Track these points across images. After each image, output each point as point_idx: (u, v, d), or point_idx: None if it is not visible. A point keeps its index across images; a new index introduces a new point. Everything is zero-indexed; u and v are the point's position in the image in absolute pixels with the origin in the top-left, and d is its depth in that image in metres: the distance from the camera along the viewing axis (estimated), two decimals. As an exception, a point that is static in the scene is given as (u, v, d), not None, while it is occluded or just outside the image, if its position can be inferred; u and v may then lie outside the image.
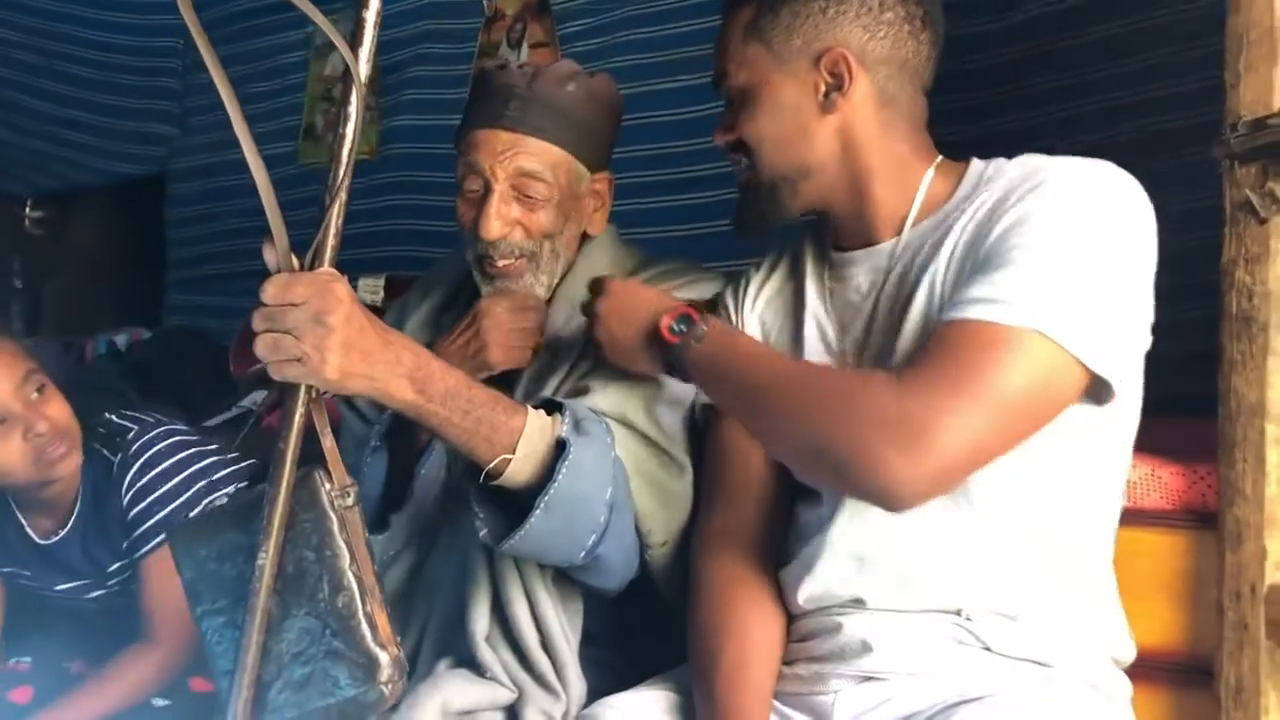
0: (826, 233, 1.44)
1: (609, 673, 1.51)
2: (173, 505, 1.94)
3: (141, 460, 1.96)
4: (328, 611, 1.17)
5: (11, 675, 2.10)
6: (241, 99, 1.12)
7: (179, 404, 2.64)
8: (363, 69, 1.14)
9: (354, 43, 1.14)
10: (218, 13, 3.75)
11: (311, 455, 1.20)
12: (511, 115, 1.53)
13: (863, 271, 1.37)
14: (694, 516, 1.49)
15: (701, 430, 1.51)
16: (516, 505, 1.34)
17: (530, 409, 1.35)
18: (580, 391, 1.48)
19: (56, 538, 2.01)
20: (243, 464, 2.07)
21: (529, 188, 1.53)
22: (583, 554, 1.37)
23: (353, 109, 1.15)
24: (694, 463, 1.51)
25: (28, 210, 4.81)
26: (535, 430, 1.33)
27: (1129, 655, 1.33)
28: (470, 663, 1.48)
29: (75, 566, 2.03)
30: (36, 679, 2.09)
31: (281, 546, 1.18)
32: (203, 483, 1.98)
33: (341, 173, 1.15)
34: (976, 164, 1.33)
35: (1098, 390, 1.19)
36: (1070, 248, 1.17)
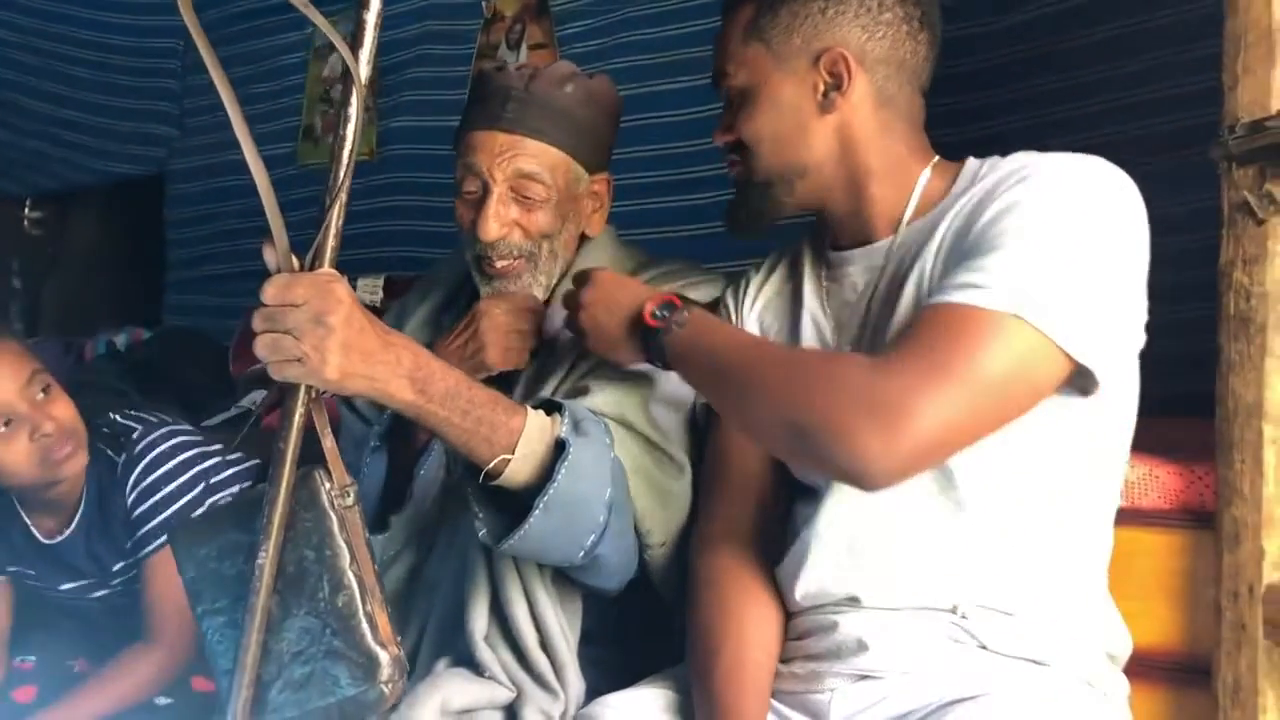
0: (824, 233, 1.44)
1: (608, 672, 1.51)
2: (177, 505, 1.95)
3: (146, 460, 1.96)
4: (328, 611, 1.17)
5: (15, 674, 2.10)
6: (241, 100, 1.12)
7: (178, 404, 2.64)
8: (363, 70, 1.14)
9: (354, 44, 1.14)
10: (217, 14, 3.76)
11: (311, 455, 1.20)
12: (510, 117, 1.53)
13: (859, 270, 1.37)
14: (693, 516, 1.49)
15: (703, 430, 1.52)
16: (516, 505, 1.34)
17: (529, 409, 1.35)
18: (579, 392, 1.48)
19: (61, 537, 2.01)
20: (246, 464, 2.07)
21: (527, 189, 1.54)
22: (581, 554, 1.37)
23: (353, 110, 1.15)
24: (693, 463, 1.52)
25: (27, 210, 4.82)
26: (534, 430, 1.33)
27: (1125, 651, 1.33)
28: (469, 662, 1.48)
29: (79, 566, 2.03)
30: (40, 678, 2.09)
31: (282, 546, 1.18)
32: (206, 483, 1.99)
33: (341, 174, 1.15)
34: (972, 162, 1.34)
35: (1082, 380, 1.19)
36: (1055, 236, 1.17)
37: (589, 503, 1.35)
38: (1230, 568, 1.31)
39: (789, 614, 1.38)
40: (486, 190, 1.54)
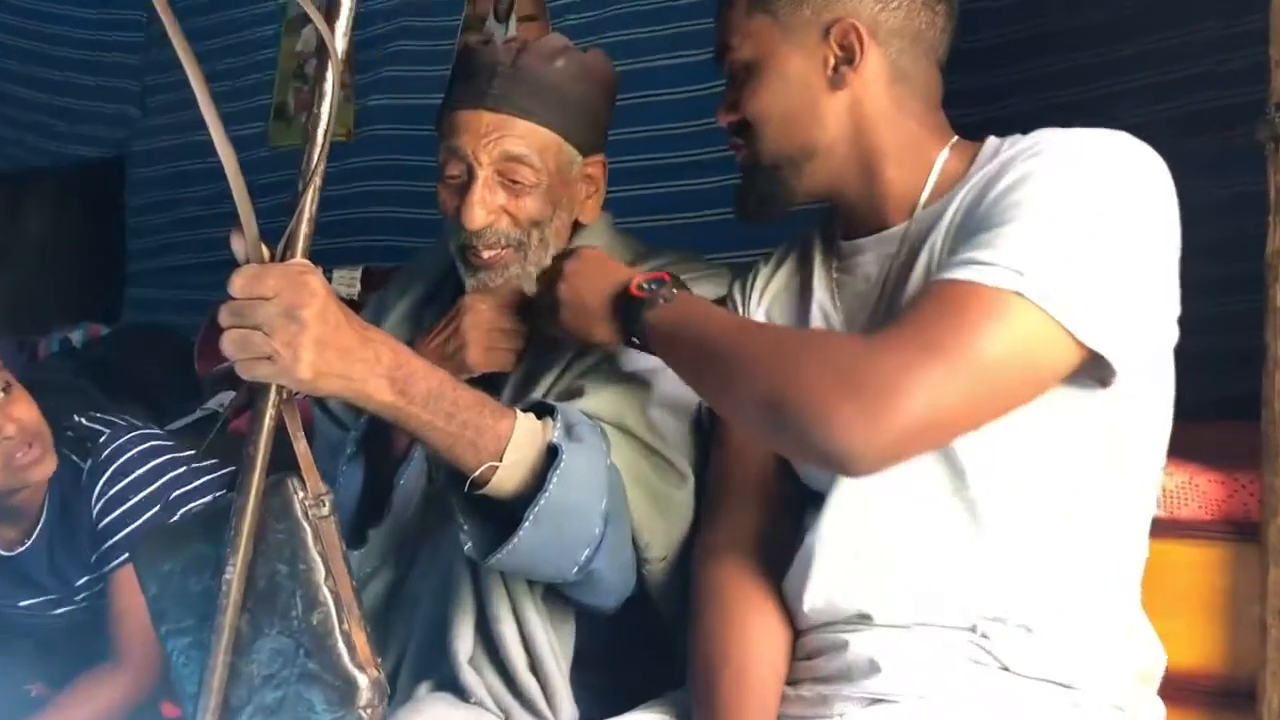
0: (835, 221, 1.44)
1: (602, 697, 1.50)
2: (146, 516, 1.94)
3: (114, 467, 1.96)
4: (302, 630, 1.16)
5: (-34, 700, 2.11)
6: (208, 76, 1.11)
7: (139, 406, 2.64)
8: (339, 44, 1.14)
9: (329, 16, 1.14)
10: (182, -17, 3.76)
11: (283, 461, 1.19)
12: (496, 95, 1.53)
13: (871, 259, 1.37)
14: (696, 528, 1.49)
15: (707, 434, 1.52)
16: (504, 516, 1.33)
17: (519, 412, 1.35)
18: (573, 393, 1.48)
19: (21, 549, 2.01)
20: (220, 471, 2.07)
21: (515, 173, 1.53)
22: (575, 569, 1.37)
23: (328, 87, 1.14)
24: (697, 471, 1.51)
25: (-27, 196, 4.81)
26: (524, 435, 1.33)
27: (1159, 670, 1.33)
28: (453, 686, 1.48)
29: (40, 580, 2.03)
30: (-7, 703, 2.10)
31: (251, 560, 1.17)
32: (178, 492, 1.99)
33: (316, 156, 1.14)
34: (992, 141, 1.33)
35: (1099, 370, 1.18)
36: (1067, 211, 1.16)
37: (583, 513, 1.34)
38: (1275, 583, 1.31)
39: (797, 633, 1.38)
40: (471, 174, 1.53)
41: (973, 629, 1.26)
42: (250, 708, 1.17)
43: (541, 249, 1.58)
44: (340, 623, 1.17)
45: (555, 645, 1.48)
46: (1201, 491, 1.44)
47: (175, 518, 1.94)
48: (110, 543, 1.94)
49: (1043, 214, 1.16)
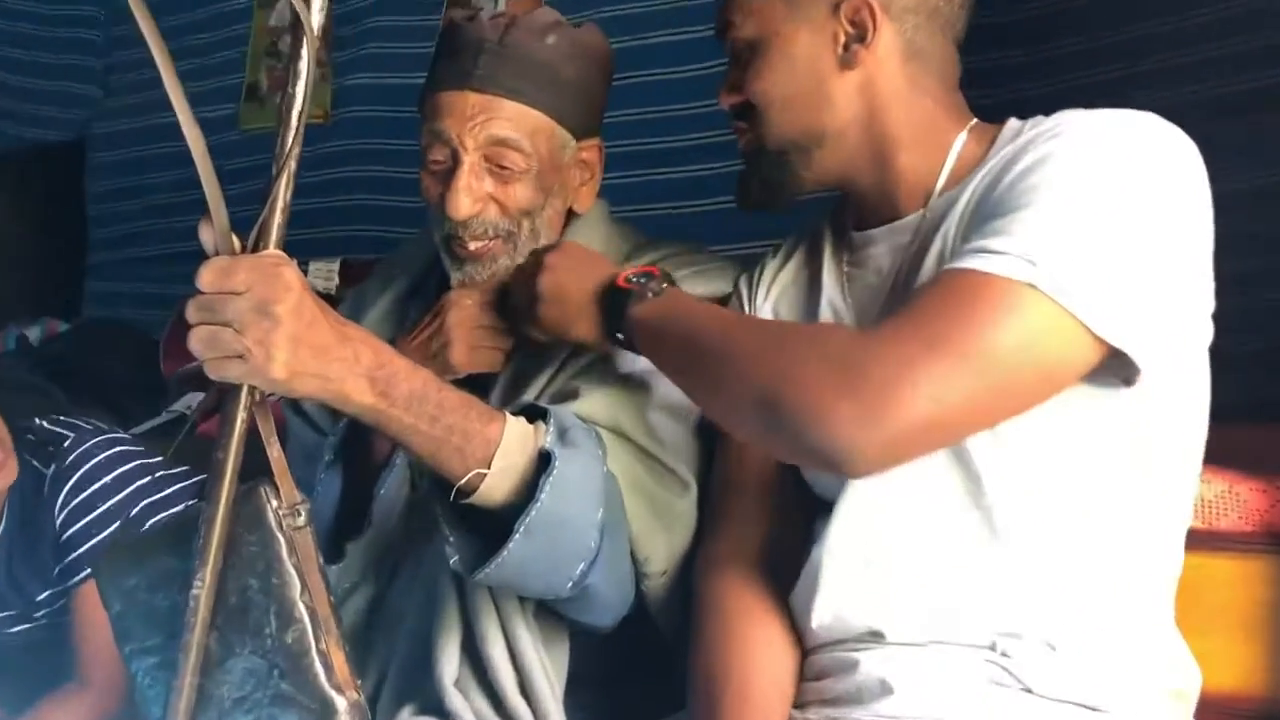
0: (847, 211, 1.44)
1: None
2: (113, 527, 1.94)
3: (79, 474, 1.95)
4: (275, 649, 1.16)
5: (-83, 726, 2.10)
6: (175, 53, 1.10)
7: (101, 408, 2.64)
8: (315, 19, 1.14)
9: (305, -12, 1.14)
10: (146, -48, 3.75)
11: (255, 468, 1.19)
12: (481, 74, 1.52)
13: (884, 251, 1.38)
14: (698, 540, 1.49)
15: (710, 439, 1.52)
16: (493, 528, 1.33)
17: (509, 416, 1.35)
18: (567, 395, 1.48)
19: None
20: (193, 479, 2.07)
21: (503, 158, 1.53)
22: (570, 584, 1.36)
23: (303, 65, 1.14)
24: (700, 479, 1.52)
25: (-79, 182, 4.80)
26: (514, 440, 1.33)
27: (1194, 688, 1.32)
28: (437, 710, 1.47)
29: (-1, 595, 2.03)
30: (-54, 729, 2.09)
31: (221, 574, 1.17)
32: (147, 501, 1.98)
33: (290, 139, 1.14)
34: (1013, 123, 1.33)
35: (1123, 368, 1.18)
36: (1088, 195, 1.16)
37: (578, 525, 1.34)
38: (1322, 600, 1.31)
39: (805, 652, 1.38)
40: (456, 160, 1.53)
41: (991, 647, 1.26)
42: (220, 732, 1.17)
43: (532, 240, 1.58)
44: (317, 641, 1.16)
45: (547, 665, 1.47)
46: (1242, 501, 1.44)
47: (145, 529, 1.94)
48: (74, 555, 1.94)
49: (1061, 199, 1.16)
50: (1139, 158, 1.18)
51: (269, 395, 1.20)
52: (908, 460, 1.18)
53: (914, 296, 1.19)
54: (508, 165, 1.53)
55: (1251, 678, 1.41)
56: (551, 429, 1.35)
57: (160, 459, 2.07)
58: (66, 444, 1.98)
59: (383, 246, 3.18)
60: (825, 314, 1.41)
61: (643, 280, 1.38)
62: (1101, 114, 1.23)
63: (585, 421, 1.42)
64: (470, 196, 1.52)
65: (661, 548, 1.47)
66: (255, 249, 1.16)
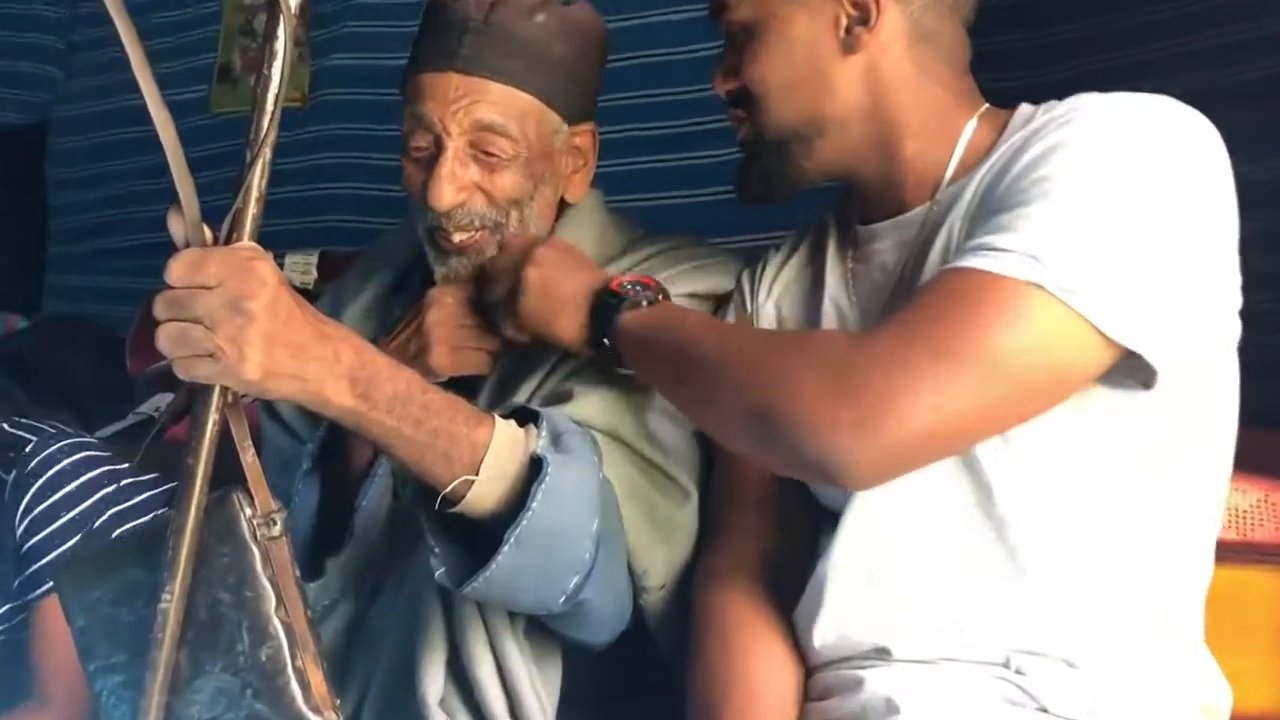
0: (851, 204, 1.44)
1: (592, 742, 1.51)
2: (77, 537, 1.93)
3: (42, 480, 1.95)
4: (249, 667, 1.16)
5: None
6: (142, 31, 1.10)
7: (64, 409, 2.63)
8: (292, -5, 1.14)
9: (281, -37, 1.14)
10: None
11: (227, 474, 1.19)
12: (466, 55, 1.52)
13: (889, 246, 1.38)
14: (699, 552, 1.49)
15: (713, 445, 1.52)
16: (481, 538, 1.33)
17: (499, 419, 1.34)
18: (560, 398, 1.48)
19: None
20: (163, 487, 2.06)
21: (489, 144, 1.53)
22: (563, 599, 1.36)
23: (280, 45, 1.14)
24: (702, 488, 1.52)
25: None
26: (504, 445, 1.32)
27: (1224, 705, 1.32)
28: (421, 732, 1.48)
29: (-47, 609, 2.02)
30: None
31: (191, 587, 1.17)
32: (113, 510, 1.98)
33: (265, 124, 1.14)
34: (1024, 109, 1.34)
35: (1138, 369, 1.18)
36: (1100, 188, 1.16)
37: (572, 535, 1.34)
38: (1364, 615, 1.31)
39: (809, 670, 1.38)
40: (439, 146, 1.53)
41: (1005, 664, 1.26)
42: (190, 755, 1.17)
43: (521, 231, 1.58)
44: (293, 659, 1.16)
45: (538, 685, 1.47)
46: (1278, 511, 1.44)
47: (110, 539, 1.93)
48: (35, 567, 1.93)
49: (1071, 191, 1.16)
50: (1156, 145, 1.18)
51: (242, 397, 1.19)
52: (909, 471, 1.19)
53: (914, 298, 1.20)
54: (494, 152, 1.53)
55: (1288, 697, 1.41)
56: (544, 433, 1.34)
57: (127, 464, 2.06)
58: (28, 449, 1.97)
59: (364, 238, 3.18)
60: (828, 312, 1.41)
61: (638, 287, 1.39)
62: (1117, 98, 1.23)
63: (580, 425, 1.41)
64: (454, 185, 1.52)
65: (660, 560, 1.47)
66: (228, 241, 1.15)
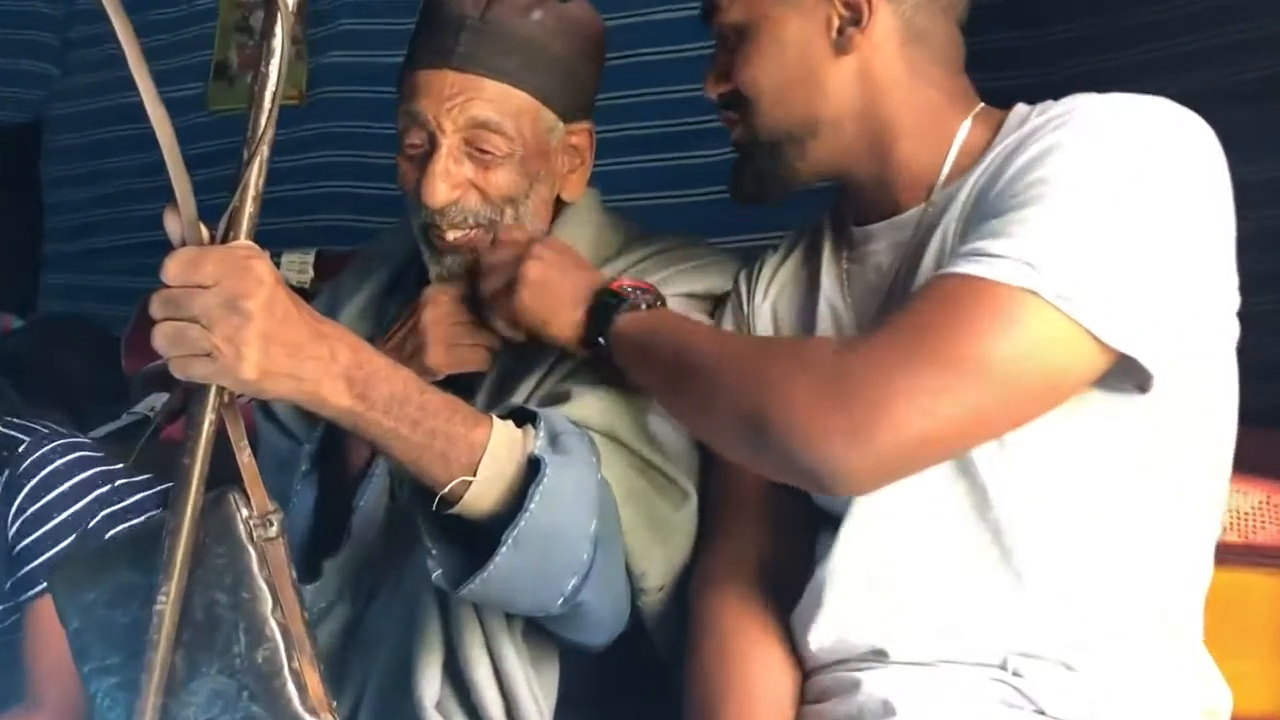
0: (847, 205, 1.45)
1: (590, 745, 1.51)
2: (70, 538, 1.93)
3: (35, 480, 1.95)
4: (245, 669, 1.16)
5: None
6: (139, 28, 1.10)
7: (58, 409, 2.63)
8: (290, -8, 1.14)
9: (279, -41, 1.14)
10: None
11: (224, 474, 1.19)
12: (462, 52, 1.52)
13: (884, 247, 1.38)
14: (697, 553, 1.49)
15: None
16: (478, 539, 1.33)
17: (496, 419, 1.34)
18: (558, 398, 1.47)
19: None
20: (157, 488, 2.06)
21: (484, 141, 1.53)
22: (560, 600, 1.36)
23: (277, 43, 1.14)
24: (700, 489, 1.52)
25: None
26: (502, 446, 1.32)
27: (1225, 709, 1.32)
28: (417, 735, 1.48)
29: (-55, 611, 2.02)
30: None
31: (187, 588, 1.17)
32: (107, 510, 1.97)
33: (262, 121, 1.14)
34: (1020, 109, 1.34)
35: (1134, 373, 1.18)
36: (1096, 192, 1.16)
37: (570, 537, 1.33)
38: (1367, 618, 1.31)
39: (806, 673, 1.38)
40: (434, 144, 1.53)
41: (1003, 666, 1.26)
42: (185, 757, 1.17)
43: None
44: (289, 660, 1.16)
45: (536, 688, 1.47)
46: (1280, 512, 1.44)
47: (104, 540, 1.93)
48: (28, 568, 1.93)
49: (1066, 196, 1.16)
50: (1152, 148, 1.19)
51: (239, 396, 1.19)
52: (902, 478, 1.19)
53: (907, 303, 1.20)
54: (489, 149, 1.53)
55: (1293, 701, 1.41)
56: (542, 434, 1.34)
57: (121, 465, 2.06)
58: (21, 449, 1.97)
59: (361, 237, 3.18)
60: (824, 314, 1.41)
61: (637, 292, 1.40)
62: (1113, 100, 1.24)
63: (578, 426, 1.41)
64: (448, 182, 1.52)
65: (659, 561, 1.47)
66: (225, 239, 1.15)
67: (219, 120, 3.61)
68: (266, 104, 1.14)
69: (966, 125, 1.35)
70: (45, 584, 1.90)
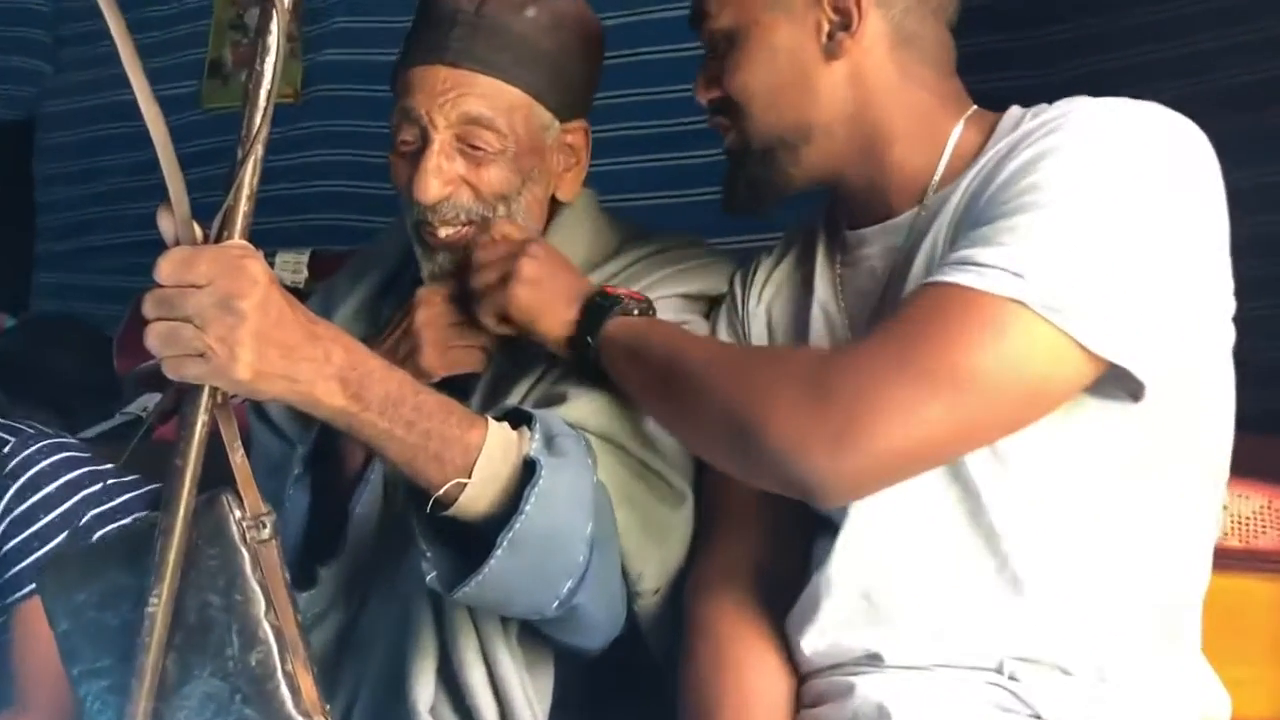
0: (840, 209, 1.44)
1: (585, 749, 1.51)
2: (59, 538, 1.93)
3: (21, 481, 1.94)
4: (238, 671, 1.16)
5: None
6: (132, 25, 1.10)
7: (49, 409, 2.62)
8: (285, -10, 1.14)
9: (273, -44, 1.14)
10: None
11: (216, 475, 1.19)
12: (455, 48, 1.52)
13: (877, 252, 1.38)
14: (694, 556, 1.49)
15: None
16: (473, 542, 1.33)
17: (492, 421, 1.34)
18: (554, 400, 1.47)
19: None
20: (145, 488, 2.06)
21: (476, 137, 1.52)
22: (556, 603, 1.36)
23: (272, 40, 1.13)
24: (696, 490, 1.52)
25: None
26: (497, 448, 1.32)
27: (1223, 716, 1.32)
28: (411, 739, 1.48)
29: (-70, 614, 2.01)
30: None
31: (179, 590, 1.16)
32: (96, 511, 1.97)
33: (257, 120, 1.14)
34: (1013, 112, 1.34)
35: (1126, 381, 1.18)
36: (1087, 199, 1.16)
37: (565, 539, 1.33)
38: (1367, 624, 1.31)
39: (801, 678, 1.38)
40: (426, 140, 1.52)
41: (998, 670, 1.26)
42: (177, 761, 1.17)
43: (510, 228, 1.58)
44: (283, 663, 1.16)
45: (530, 691, 1.47)
46: (1281, 517, 1.44)
47: (94, 540, 1.93)
48: (15, 570, 1.93)
49: (1057, 203, 1.16)
50: (1144, 154, 1.19)
51: (232, 397, 1.19)
52: (886, 487, 1.20)
53: (895, 312, 1.21)
54: (481, 145, 1.52)
55: (1293, 707, 1.41)
56: (537, 435, 1.34)
57: (111, 465, 2.06)
58: (7, 449, 1.96)
59: (356, 237, 3.18)
60: (817, 317, 1.42)
61: (629, 298, 1.41)
62: (1106, 104, 1.24)
63: (574, 427, 1.41)
64: (439, 178, 1.52)
65: (655, 564, 1.47)
66: (218, 239, 1.15)
67: (213, 118, 3.60)
68: (261, 102, 1.14)
69: (959, 128, 1.35)
70: (33, 585, 1.90)
